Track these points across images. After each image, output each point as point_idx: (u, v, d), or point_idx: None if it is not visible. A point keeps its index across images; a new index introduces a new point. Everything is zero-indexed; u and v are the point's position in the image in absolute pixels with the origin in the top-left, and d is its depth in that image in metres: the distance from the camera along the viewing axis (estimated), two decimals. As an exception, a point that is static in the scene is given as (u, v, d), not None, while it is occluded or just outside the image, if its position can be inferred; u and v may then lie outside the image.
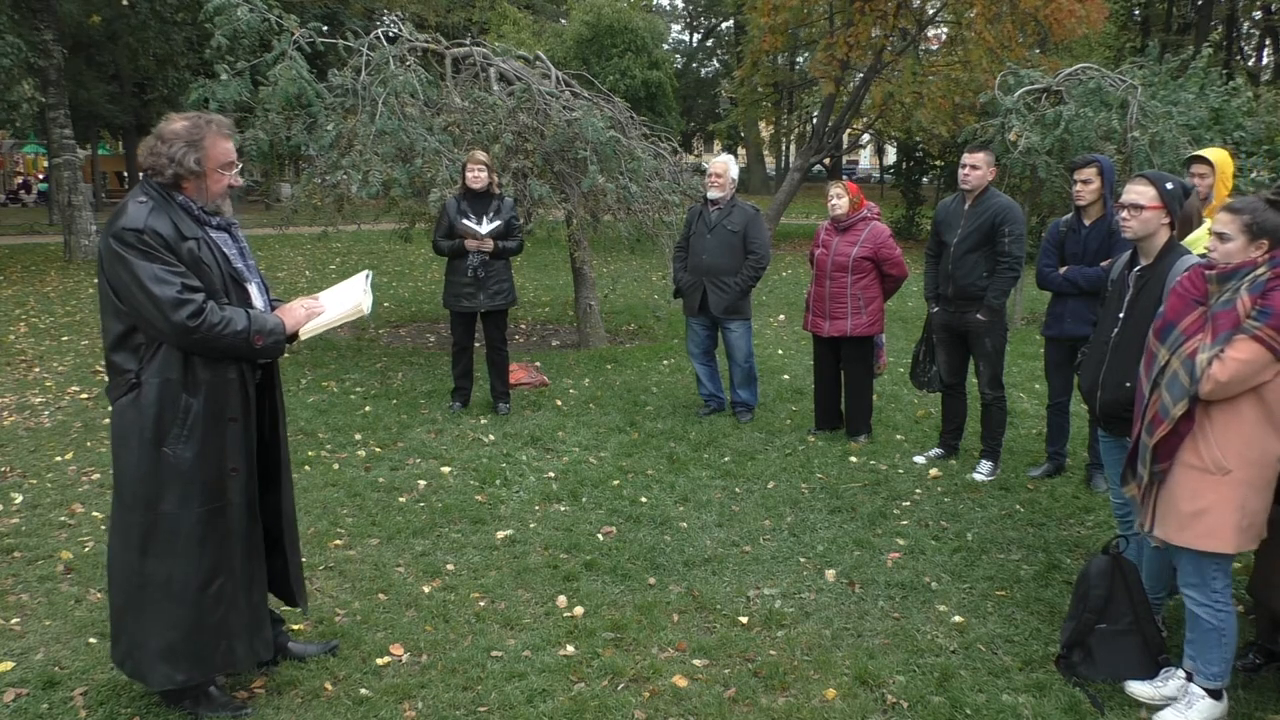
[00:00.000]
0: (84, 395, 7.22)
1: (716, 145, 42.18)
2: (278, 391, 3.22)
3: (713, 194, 6.52)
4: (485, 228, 6.41)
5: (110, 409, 2.95)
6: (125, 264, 2.77)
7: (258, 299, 3.09)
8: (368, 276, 3.39)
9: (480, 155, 6.59)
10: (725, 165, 6.58)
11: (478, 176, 6.48)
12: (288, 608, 3.45)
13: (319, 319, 3.19)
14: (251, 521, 3.05)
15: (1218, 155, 4.67)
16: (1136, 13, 32.42)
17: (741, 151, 38.53)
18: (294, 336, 3.13)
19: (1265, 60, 36.27)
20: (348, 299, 3.29)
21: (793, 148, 42.88)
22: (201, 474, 2.89)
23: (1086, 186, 5.08)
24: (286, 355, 3.29)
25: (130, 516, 2.90)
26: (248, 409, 3.01)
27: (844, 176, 34.57)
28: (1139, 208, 3.46)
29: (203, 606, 2.94)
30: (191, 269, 2.85)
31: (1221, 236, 2.99)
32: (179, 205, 2.90)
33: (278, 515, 3.24)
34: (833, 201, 6.07)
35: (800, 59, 30.41)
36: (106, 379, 2.97)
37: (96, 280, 2.93)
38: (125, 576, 2.94)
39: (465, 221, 6.44)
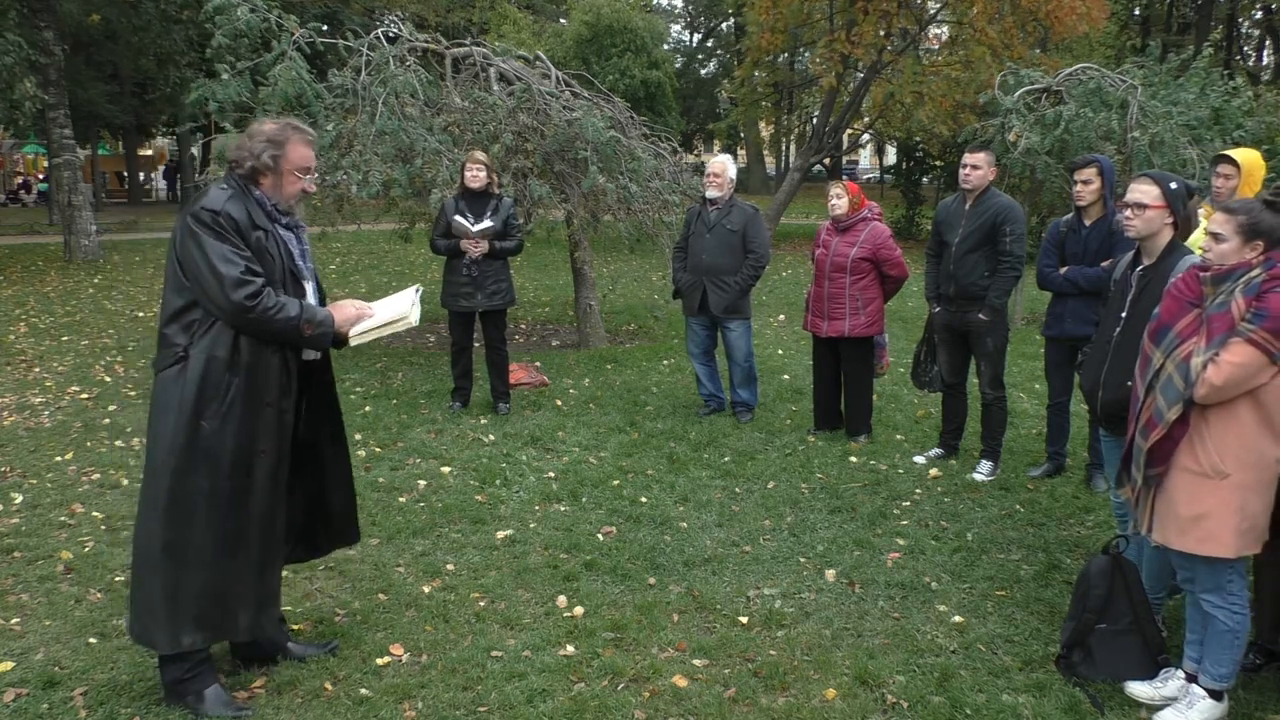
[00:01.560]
0: (84, 395, 7.22)
1: (716, 145, 42.14)
2: (328, 384, 3.39)
3: (711, 193, 6.52)
4: (476, 227, 6.40)
5: (155, 379, 3.08)
6: (197, 240, 2.96)
7: (312, 297, 3.26)
8: (417, 291, 3.50)
9: (479, 155, 6.59)
10: (723, 165, 6.57)
11: (476, 176, 6.48)
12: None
13: (368, 323, 3.33)
14: (274, 503, 3.14)
15: (1246, 156, 4.48)
16: (1136, 12, 32.42)
17: (741, 151, 38.49)
18: (342, 340, 3.27)
19: (1265, 60, 36.26)
20: (397, 308, 3.42)
21: (793, 148, 42.86)
22: (232, 451, 3.01)
23: (1087, 187, 5.08)
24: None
25: (158, 483, 3.00)
26: (286, 396, 3.14)
27: (843, 176, 34.53)
28: (1143, 207, 3.46)
29: (215, 575, 3.02)
30: (256, 256, 3.03)
31: (1216, 237, 2.97)
32: (254, 199, 3.10)
33: (332, 491, 3.42)
34: (832, 202, 6.07)
35: (800, 59, 30.39)
36: (156, 350, 3.12)
37: (165, 257, 3.17)
38: (145, 541, 3.03)
39: (458, 218, 6.43)
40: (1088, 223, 5.14)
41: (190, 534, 3.00)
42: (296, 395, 3.22)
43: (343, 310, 3.26)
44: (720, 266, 6.43)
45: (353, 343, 3.33)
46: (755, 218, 6.54)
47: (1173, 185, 3.48)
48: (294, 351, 3.16)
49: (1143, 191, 3.48)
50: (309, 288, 3.25)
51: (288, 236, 3.19)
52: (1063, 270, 5.19)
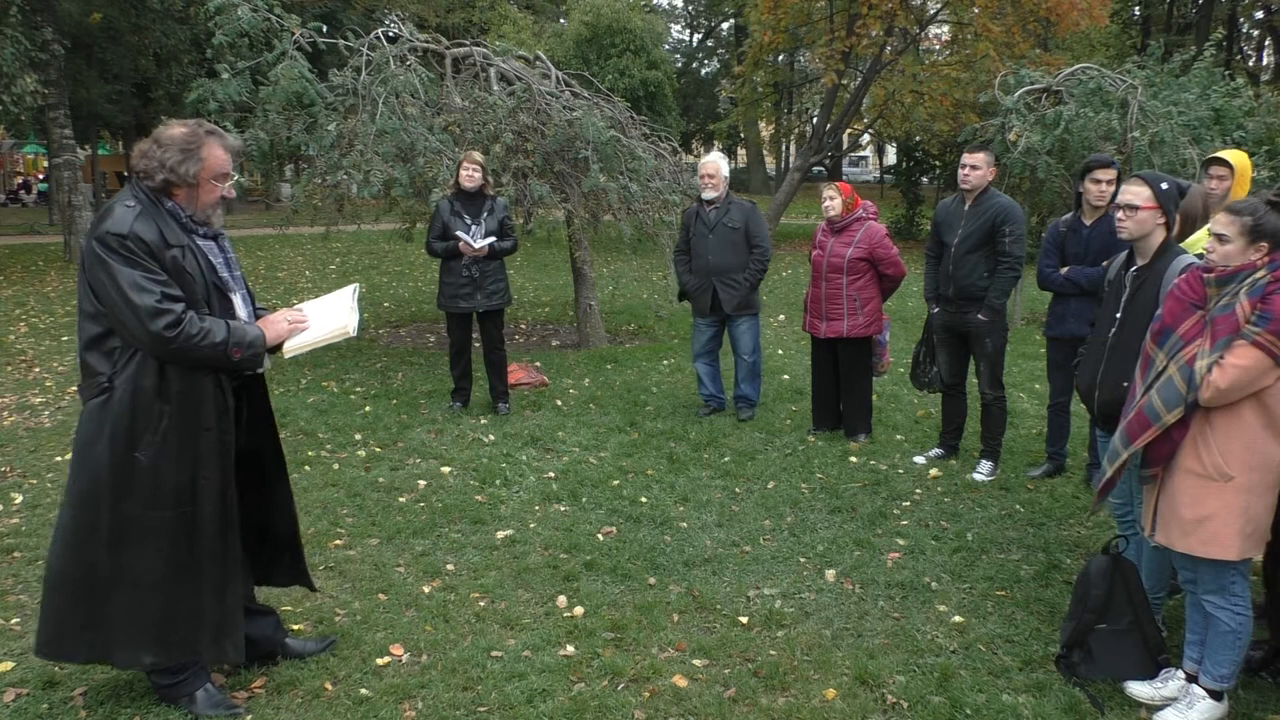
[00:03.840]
0: (84, 395, 7.21)
1: (716, 145, 42.15)
2: (264, 399, 3.23)
3: (708, 194, 6.52)
4: (480, 241, 6.39)
5: (83, 408, 2.92)
6: (106, 268, 2.75)
7: (241, 309, 3.07)
8: (354, 291, 3.34)
9: (476, 156, 6.59)
10: (717, 165, 6.57)
11: (471, 176, 6.47)
12: (303, 587, 3.50)
13: (303, 336, 3.16)
14: (225, 527, 3.00)
15: (1237, 158, 4.56)
16: (1136, 11, 32.44)
17: (741, 151, 38.53)
18: (276, 348, 3.11)
19: (1265, 60, 36.28)
20: (334, 317, 3.23)
21: (793, 148, 42.85)
22: (173, 479, 2.88)
23: (1108, 187, 5.01)
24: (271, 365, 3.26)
25: (96, 516, 2.86)
26: (225, 417, 2.98)
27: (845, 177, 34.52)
28: (1134, 208, 3.46)
29: (170, 599, 2.92)
30: (174, 277, 2.83)
31: (1220, 238, 2.95)
32: (167, 211, 2.88)
33: (276, 515, 3.28)
34: (826, 203, 6.08)
35: (801, 58, 30.40)
36: (80, 376, 2.93)
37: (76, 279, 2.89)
38: (85, 571, 2.90)
39: (460, 232, 6.41)
40: (1088, 223, 5.13)
41: (138, 561, 2.88)
42: (235, 409, 3.04)
43: (274, 326, 3.07)
44: (727, 265, 6.44)
45: (287, 356, 3.17)
46: (754, 212, 6.56)
47: (1163, 186, 3.47)
48: (227, 372, 2.97)
49: (1134, 193, 3.47)
50: (238, 299, 3.05)
51: (208, 246, 2.97)
52: (1063, 270, 5.19)
